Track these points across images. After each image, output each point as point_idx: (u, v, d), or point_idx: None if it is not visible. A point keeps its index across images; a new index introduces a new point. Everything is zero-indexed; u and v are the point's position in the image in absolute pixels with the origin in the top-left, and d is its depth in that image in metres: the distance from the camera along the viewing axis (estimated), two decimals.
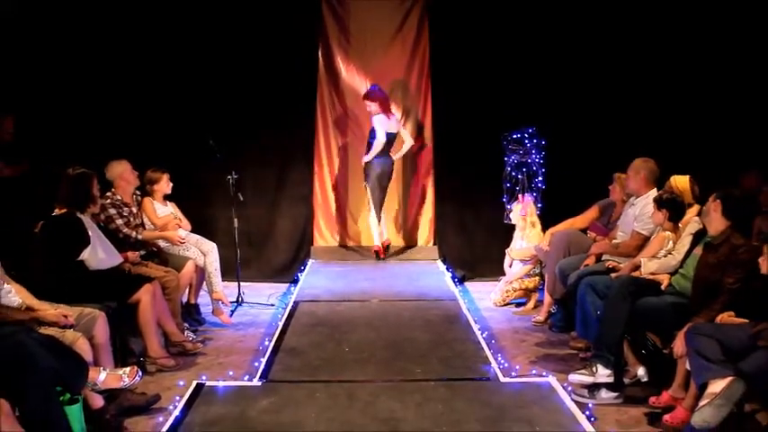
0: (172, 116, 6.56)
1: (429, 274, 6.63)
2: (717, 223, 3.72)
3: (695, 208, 4.28)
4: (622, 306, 3.81)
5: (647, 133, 6.25)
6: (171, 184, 5.42)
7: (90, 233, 4.30)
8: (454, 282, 6.42)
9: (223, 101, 6.72)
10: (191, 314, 5.33)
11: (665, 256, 4.12)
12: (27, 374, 2.86)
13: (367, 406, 3.59)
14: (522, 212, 6.05)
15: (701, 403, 3.03)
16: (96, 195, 4.37)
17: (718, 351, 3.14)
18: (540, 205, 6.48)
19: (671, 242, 4.16)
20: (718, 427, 2.99)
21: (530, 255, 5.88)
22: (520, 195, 6.32)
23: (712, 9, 6.25)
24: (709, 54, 6.34)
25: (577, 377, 3.80)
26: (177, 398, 3.75)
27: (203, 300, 5.52)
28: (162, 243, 5.24)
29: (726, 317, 3.43)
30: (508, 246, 6.22)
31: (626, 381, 3.91)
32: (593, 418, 3.49)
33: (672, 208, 4.22)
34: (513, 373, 4.15)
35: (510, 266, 6.14)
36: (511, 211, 6.32)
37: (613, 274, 4.29)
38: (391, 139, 6.78)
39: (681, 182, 4.48)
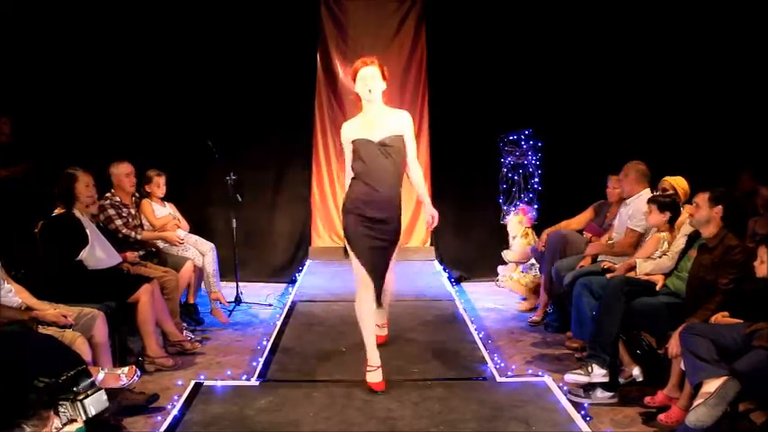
0: (171, 117, 6.57)
1: (426, 275, 6.65)
2: (713, 226, 3.75)
3: (688, 208, 4.31)
4: (617, 306, 3.84)
5: (643, 134, 6.28)
6: (164, 187, 5.43)
7: (88, 233, 4.33)
8: (451, 282, 6.45)
9: (222, 102, 6.74)
10: (189, 314, 5.35)
11: (660, 257, 4.15)
12: (26, 374, 2.87)
13: (364, 405, 3.62)
14: (529, 223, 6.13)
15: (696, 403, 3.05)
16: (82, 194, 4.37)
17: (713, 351, 3.16)
18: (536, 206, 6.53)
19: (666, 243, 4.19)
20: (713, 427, 3.01)
21: (526, 257, 5.94)
22: (520, 206, 6.37)
23: (707, 9, 6.28)
24: (704, 56, 6.35)
25: (573, 377, 3.82)
26: (176, 397, 3.77)
27: (202, 300, 5.54)
28: (161, 243, 5.27)
29: (720, 317, 3.46)
30: (504, 246, 6.27)
31: (621, 380, 3.93)
32: (588, 418, 3.51)
33: (674, 210, 4.25)
34: (509, 373, 4.17)
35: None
36: (508, 214, 6.37)
37: (609, 275, 4.32)
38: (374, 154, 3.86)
39: (681, 182, 4.55)
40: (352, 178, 3.93)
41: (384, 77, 3.90)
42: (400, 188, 3.97)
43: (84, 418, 2.59)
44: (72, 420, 2.55)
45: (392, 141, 3.84)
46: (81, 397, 2.57)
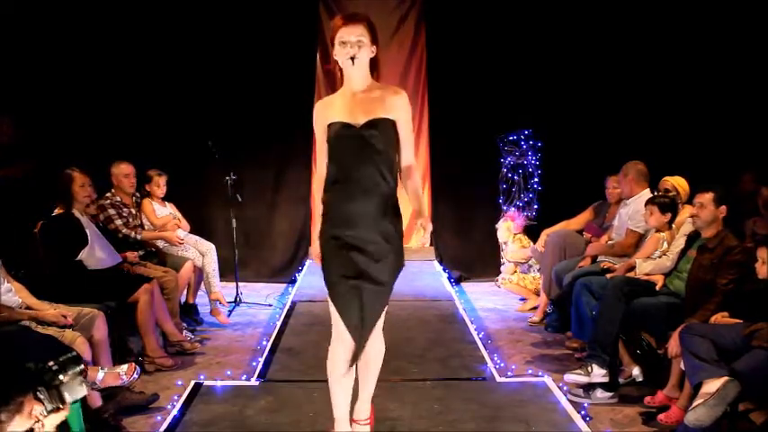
0: (172, 117, 6.57)
1: (425, 275, 6.65)
2: (714, 226, 3.75)
3: (688, 208, 4.32)
4: (617, 306, 3.84)
5: (642, 135, 6.28)
6: (164, 187, 5.43)
7: (88, 233, 4.34)
8: (450, 282, 6.46)
9: (223, 102, 6.73)
10: (189, 314, 5.35)
11: (659, 257, 4.15)
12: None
13: None
14: (516, 230, 6.16)
15: (696, 403, 3.05)
16: (78, 194, 4.37)
17: (712, 351, 3.16)
18: (535, 206, 6.54)
19: (665, 243, 4.19)
20: (712, 427, 3.01)
21: (525, 257, 5.95)
22: (509, 212, 6.39)
23: (708, 9, 6.28)
24: (704, 56, 6.35)
25: (573, 377, 3.82)
26: (175, 397, 3.78)
27: (201, 300, 5.54)
28: (161, 243, 5.26)
29: (720, 317, 3.47)
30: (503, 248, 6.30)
31: (621, 380, 3.93)
32: (588, 418, 3.52)
33: (674, 210, 4.26)
34: (509, 373, 4.17)
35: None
36: (502, 217, 6.40)
37: (608, 275, 4.32)
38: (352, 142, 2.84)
39: (682, 182, 4.56)
40: (328, 181, 2.89)
41: (374, 41, 2.80)
42: (395, 198, 2.86)
43: (61, 405, 2.54)
44: (58, 408, 2.49)
45: (381, 127, 2.79)
46: (57, 383, 2.51)
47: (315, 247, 3.06)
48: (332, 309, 2.93)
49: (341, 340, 2.89)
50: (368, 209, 2.78)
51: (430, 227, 2.84)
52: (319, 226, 2.95)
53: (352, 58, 2.74)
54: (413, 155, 2.94)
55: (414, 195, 2.91)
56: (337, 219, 2.83)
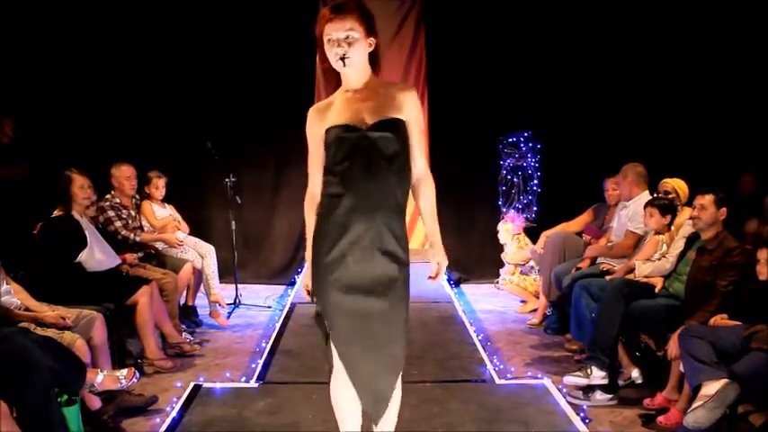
0: (171, 118, 6.57)
1: (425, 277, 6.62)
2: (714, 228, 3.75)
3: (687, 210, 4.32)
4: (616, 308, 3.84)
5: (642, 137, 6.28)
6: (162, 189, 5.42)
7: (87, 234, 4.34)
8: (450, 284, 6.46)
9: (222, 103, 6.73)
10: (188, 316, 5.34)
11: (659, 259, 4.15)
12: (25, 375, 2.87)
13: None
14: (516, 231, 6.18)
15: (695, 405, 3.06)
16: (77, 195, 4.37)
17: (712, 353, 3.17)
18: (535, 208, 6.54)
19: (665, 245, 4.19)
20: (711, 429, 3.02)
21: (525, 259, 5.95)
22: (508, 214, 6.40)
23: (707, 9, 6.28)
24: (703, 57, 6.35)
25: (572, 379, 3.83)
26: (175, 399, 3.77)
27: (201, 301, 5.53)
28: (160, 245, 5.26)
29: (719, 319, 3.47)
30: (503, 249, 6.29)
31: (620, 382, 3.93)
32: (587, 420, 3.52)
33: (673, 212, 4.26)
34: (508, 375, 4.17)
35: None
36: (503, 219, 6.40)
37: (608, 277, 4.32)
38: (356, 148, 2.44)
39: (682, 184, 4.56)
40: (325, 195, 2.45)
41: (369, 32, 2.41)
42: (404, 214, 2.51)
43: None
44: None
45: (394, 128, 2.40)
46: None
47: (306, 275, 2.60)
48: (334, 354, 2.50)
49: (348, 388, 2.51)
50: (374, 225, 2.37)
51: (445, 263, 2.59)
52: (310, 248, 2.50)
53: (343, 59, 2.39)
54: (426, 162, 2.55)
55: (428, 216, 2.60)
56: (339, 239, 2.37)
